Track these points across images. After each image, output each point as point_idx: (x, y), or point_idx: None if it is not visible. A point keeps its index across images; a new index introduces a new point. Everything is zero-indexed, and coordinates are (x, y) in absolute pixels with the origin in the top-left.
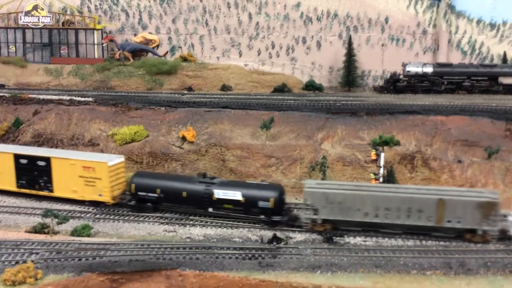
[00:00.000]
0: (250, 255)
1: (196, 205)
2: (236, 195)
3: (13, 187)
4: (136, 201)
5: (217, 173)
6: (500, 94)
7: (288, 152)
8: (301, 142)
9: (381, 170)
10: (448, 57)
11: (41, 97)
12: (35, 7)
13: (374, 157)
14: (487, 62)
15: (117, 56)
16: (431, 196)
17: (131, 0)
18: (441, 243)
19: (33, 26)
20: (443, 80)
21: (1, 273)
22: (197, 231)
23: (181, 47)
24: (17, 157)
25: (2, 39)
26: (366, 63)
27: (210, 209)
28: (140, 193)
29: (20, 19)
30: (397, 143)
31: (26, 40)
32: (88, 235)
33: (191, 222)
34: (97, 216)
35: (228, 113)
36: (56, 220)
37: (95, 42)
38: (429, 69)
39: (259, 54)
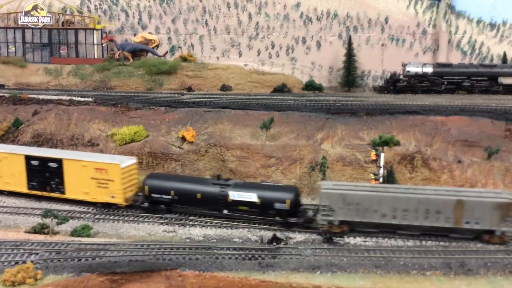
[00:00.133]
0: (250, 256)
1: (210, 207)
2: (251, 196)
3: (24, 189)
4: (150, 203)
5: None
6: (500, 94)
7: (288, 152)
8: (301, 142)
9: (381, 170)
10: (448, 57)
11: (41, 97)
12: (35, 7)
13: (374, 157)
14: (487, 62)
15: (116, 56)
16: (449, 197)
17: (131, 0)
18: (441, 243)
19: (33, 26)
20: (443, 80)
21: (0, 274)
22: (197, 232)
23: (180, 47)
24: (28, 158)
25: (2, 39)
26: (366, 63)
27: (225, 211)
28: (153, 195)
29: (20, 19)
30: (397, 143)
31: (26, 40)
32: (88, 236)
33: (190, 223)
34: (97, 216)
35: (228, 113)
36: (56, 220)
37: (95, 42)
38: (429, 69)
39: (259, 54)
